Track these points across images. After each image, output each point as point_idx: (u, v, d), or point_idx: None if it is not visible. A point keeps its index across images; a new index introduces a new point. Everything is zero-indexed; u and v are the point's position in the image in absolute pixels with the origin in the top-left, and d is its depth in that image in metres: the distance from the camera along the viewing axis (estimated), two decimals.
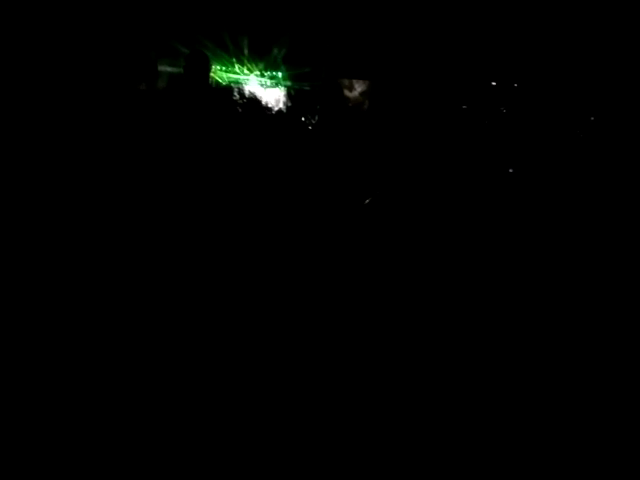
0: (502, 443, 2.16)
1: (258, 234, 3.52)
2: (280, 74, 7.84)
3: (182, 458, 1.95)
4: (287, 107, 7.42)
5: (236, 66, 7.63)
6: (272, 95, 7.86)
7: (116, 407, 2.15)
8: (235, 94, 6.59)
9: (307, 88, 7.59)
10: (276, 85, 7.96)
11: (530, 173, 4.21)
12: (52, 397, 2.16)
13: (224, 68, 7.56)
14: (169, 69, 5.35)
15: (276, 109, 7.45)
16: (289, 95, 7.83)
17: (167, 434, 2.05)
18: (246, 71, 7.73)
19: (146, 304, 2.89)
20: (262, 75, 7.85)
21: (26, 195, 3.14)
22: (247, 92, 7.46)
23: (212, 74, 6.85)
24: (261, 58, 7.65)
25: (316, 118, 4.43)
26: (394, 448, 2.08)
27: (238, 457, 1.99)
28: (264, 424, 2.15)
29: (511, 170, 4.25)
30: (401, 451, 2.07)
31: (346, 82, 7.26)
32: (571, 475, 2.03)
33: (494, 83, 5.07)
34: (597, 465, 2.07)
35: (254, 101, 7.38)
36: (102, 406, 2.15)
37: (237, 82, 7.75)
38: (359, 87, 7.16)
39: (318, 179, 3.82)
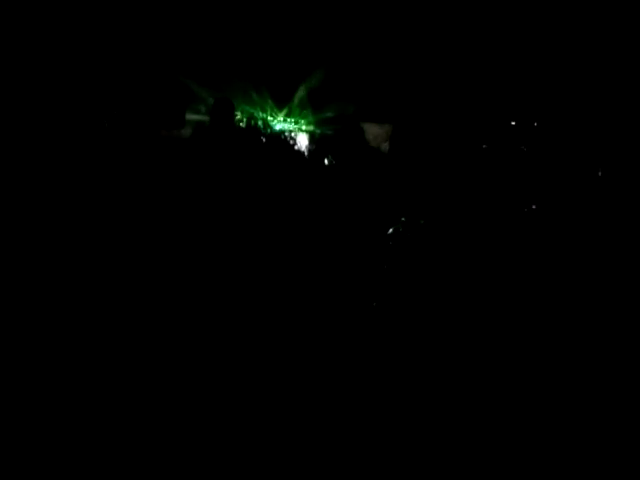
0: (502, 443, 2.12)
1: (282, 271, 3.58)
2: (303, 119, 8.06)
3: (182, 458, 1.94)
4: (310, 151, 7.59)
5: (260, 112, 7.89)
6: (296, 139, 8.06)
7: (116, 406, 2.16)
8: (260, 139, 6.78)
9: (330, 132, 7.76)
10: (300, 130, 8.18)
11: (550, 213, 4.19)
12: (52, 397, 2.18)
13: (249, 115, 7.82)
14: (195, 117, 5.56)
15: (300, 153, 7.63)
16: (312, 139, 8.02)
17: (167, 434, 2.05)
18: (270, 117, 7.98)
19: (148, 306, 2.94)
20: (286, 120, 8.09)
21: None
22: (271, 137, 7.67)
23: (237, 121, 7.10)
24: (285, 104, 7.90)
25: (339, 161, 4.52)
26: (394, 448, 2.06)
27: (238, 457, 1.97)
28: (264, 424, 2.14)
29: (534, 207, 4.23)
30: (401, 451, 2.05)
31: (368, 126, 7.41)
32: (571, 475, 1.98)
33: (513, 123, 5.12)
34: (597, 465, 2.01)
35: (278, 146, 7.58)
36: (102, 406, 2.16)
37: (262, 128, 7.99)
38: (380, 130, 7.29)
39: (340, 221, 3.88)
